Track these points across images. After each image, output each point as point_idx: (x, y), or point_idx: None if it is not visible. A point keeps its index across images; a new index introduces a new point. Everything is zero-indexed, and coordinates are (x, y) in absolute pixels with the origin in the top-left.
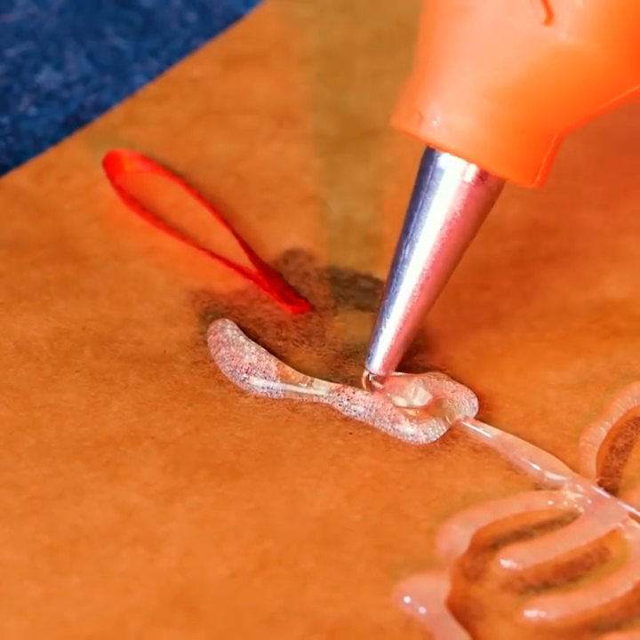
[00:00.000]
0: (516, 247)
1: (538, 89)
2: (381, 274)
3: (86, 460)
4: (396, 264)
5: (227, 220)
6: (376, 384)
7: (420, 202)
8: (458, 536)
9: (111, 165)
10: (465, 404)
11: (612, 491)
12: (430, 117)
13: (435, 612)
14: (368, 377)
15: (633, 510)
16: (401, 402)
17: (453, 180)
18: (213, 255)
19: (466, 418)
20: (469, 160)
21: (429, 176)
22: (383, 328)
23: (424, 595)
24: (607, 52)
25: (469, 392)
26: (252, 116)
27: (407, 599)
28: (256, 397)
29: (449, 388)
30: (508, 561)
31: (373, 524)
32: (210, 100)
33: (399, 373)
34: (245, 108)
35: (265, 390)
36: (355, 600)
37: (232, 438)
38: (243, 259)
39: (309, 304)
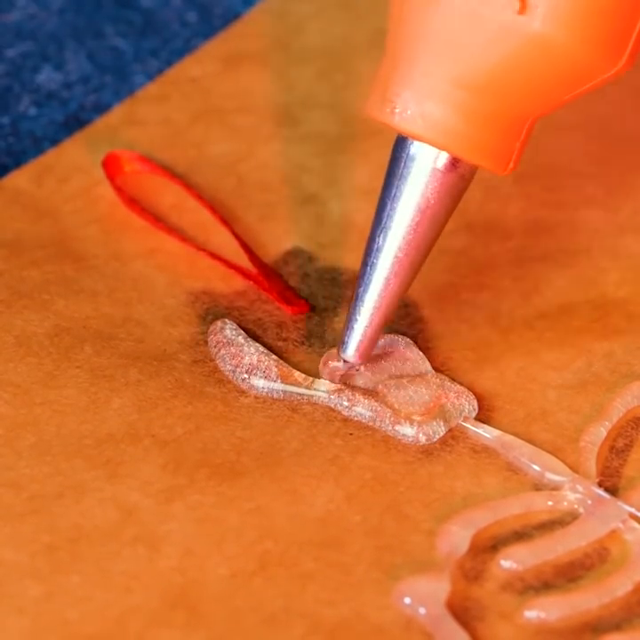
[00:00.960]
0: (516, 246)
1: (510, 78)
2: None
3: (86, 459)
4: (370, 252)
5: (226, 221)
6: (336, 368)
7: (393, 190)
8: (458, 537)
9: (111, 166)
10: (465, 405)
11: (612, 491)
12: (403, 107)
13: (435, 612)
14: (329, 365)
15: (633, 510)
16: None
17: (426, 167)
18: (213, 256)
19: (465, 419)
20: (443, 149)
21: (402, 164)
22: (358, 316)
23: (424, 595)
24: (580, 41)
25: (469, 393)
26: (252, 116)
27: (407, 600)
28: (256, 397)
29: (449, 388)
30: (508, 561)
31: (373, 525)
32: (209, 100)
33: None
34: (245, 108)
35: (265, 390)
36: (355, 600)
37: (232, 438)
38: (243, 259)
39: (309, 305)
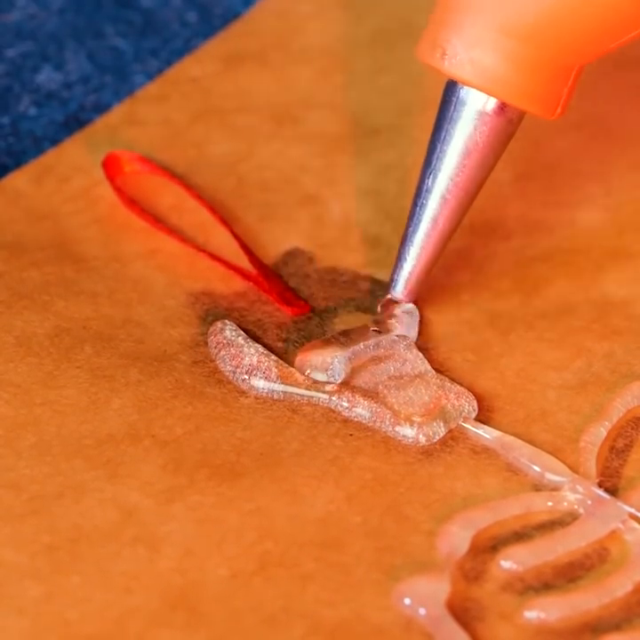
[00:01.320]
0: (516, 246)
1: (557, 26)
2: (382, 275)
3: (87, 459)
4: (419, 193)
5: (226, 222)
6: (397, 311)
7: (443, 133)
8: (458, 537)
9: (111, 167)
10: (464, 406)
11: (612, 491)
12: (452, 53)
13: (435, 613)
14: (385, 301)
15: (633, 511)
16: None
17: (475, 111)
18: (213, 257)
19: (465, 419)
20: (491, 94)
21: (452, 108)
22: (407, 255)
23: (424, 596)
24: None
25: (469, 394)
26: (252, 116)
27: (407, 600)
28: (256, 398)
29: (449, 389)
30: (508, 562)
31: (373, 526)
32: (209, 100)
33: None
34: (245, 108)
35: (265, 391)
36: (355, 601)
37: (232, 439)
38: (243, 260)
39: (309, 306)
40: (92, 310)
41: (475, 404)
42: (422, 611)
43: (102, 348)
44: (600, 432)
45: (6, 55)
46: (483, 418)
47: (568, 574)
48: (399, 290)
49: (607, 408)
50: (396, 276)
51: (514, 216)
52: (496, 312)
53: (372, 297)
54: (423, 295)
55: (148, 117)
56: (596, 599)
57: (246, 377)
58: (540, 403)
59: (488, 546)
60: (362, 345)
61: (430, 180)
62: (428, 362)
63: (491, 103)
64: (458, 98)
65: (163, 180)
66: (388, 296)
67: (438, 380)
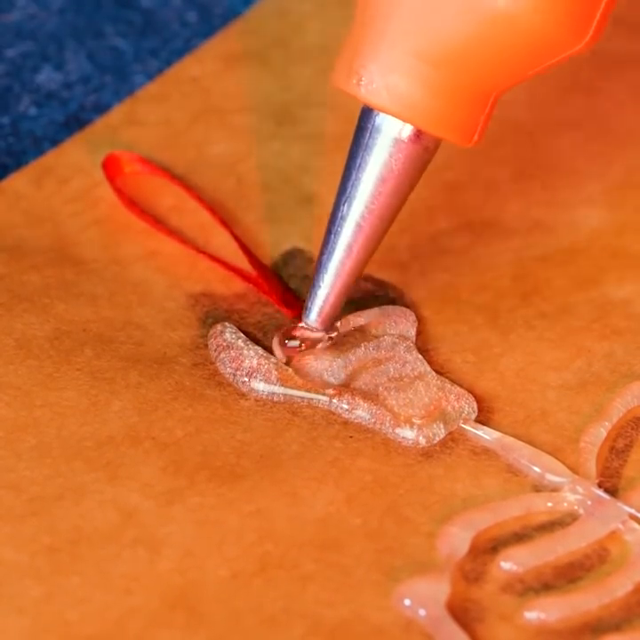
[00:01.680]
0: (515, 246)
1: (474, 53)
2: (382, 275)
3: (87, 461)
4: (334, 221)
5: (226, 223)
6: (291, 343)
7: (358, 160)
8: (458, 539)
9: (111, 168)
10: (464, 407)
11: (612, 492)
12: (368, 79)
13: (435, 614)
14: (282, 337)
15: (633, 511)
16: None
17: (390, 138)
18: (213, 258)
19: (465, 420)
20: (407, 121)
21: (368, 134)
22: (321, 283)
23: (424, 597)
24: (545, 17)
25: (469, 396)
26: (252, 115)
27: (407, 601)
28: (256, 400)
29: (449, 391)
30: (508, 563)
31: (373, 527)
32: (209, 100)
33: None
34: (245, 107)
35: (266, 393)
36: (355, 602)
37: (232, 441)
38: (243, 261)
39: None
40: (91, 313)
41: (474, 405)
42: (422, 612)
43: (102, 351)
44: (600, 432)
45: (6, 55)
46: (483, 419)
47: (568, 575)
48: (313, 318)
49: (607, 408)
50: (309, 304)
51: (514, 216)
52: (496, 312)
53: (372, 297)
54: (423, 295)
55: (147, 117)
56: (596, 599)
57: (246, 379)
58: (540, 403)
59: (488, 547)
60: (362, 347)
61: (345, 207)
62: (428, 363)
63: (406, 130)
64: (373, 125)
65: (163, 181)
66: (301, 324)
67: (438, 382)
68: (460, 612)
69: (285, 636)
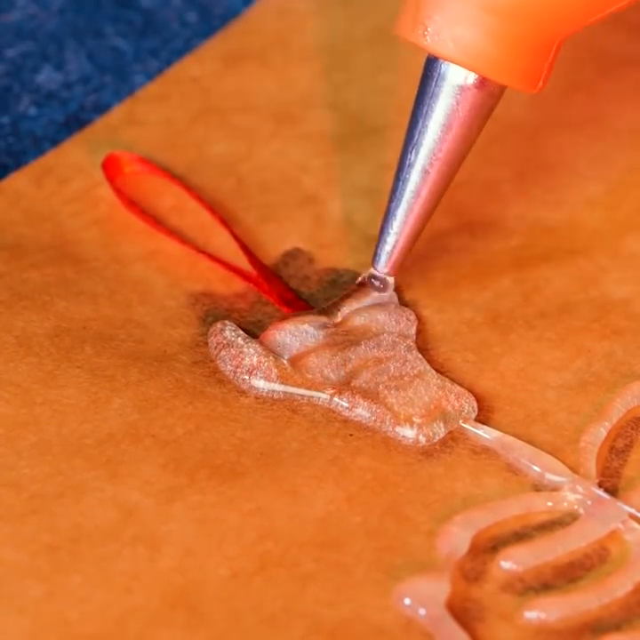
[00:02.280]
0: (516, 246)
1: (536, 2)
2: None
3: (87, 458)
4: (402, 168)
5: (226, 222)
6: (376, 283)
7: (425, 108)
8: (458, 538)
9: (111, 168)
10: (464, 406)
11: (612, 491)
12: (435, 30)
13: (435, 613)
14: (367, 277)
15: (633, 511)
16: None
17: (456, 85)
18: (213, 258)
19: (465, 420)
20: (473, 70)
21: (433, 83)
22: (390, 229)
23: (424, 596)
24: None
25: (469, 395)
26: (252, 115)
27: (407, 601)
28: (256, 398)
29: (449, 390)
30: (508, 562)
31: (374, 526)
32: (209, 99)
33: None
34: (245, 107)
35: (266, 391)
36: (355, 601)
37: (232, 439)
38: (243, 261)
39: (309, 307)
40: (92, 311)
41: (474, 404)
42: (422, 611)
43: (102, 348)
44: (600, 432)
45: (6, 55)
46: (483, 418)
47: (568, 574)
48: (382, 263)
49: (607, 408)
50: (379, 251)
51: (514, 216)
52: (496, 312)
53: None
54: (423, 295)
55: (148, 117)
56: (596, 599)
57: (246, 377)
58: (540, 403)
59: (488, 546)
60: (362, 345)
61: (412, 154)
62: (429, 362)
63: (471, 77)
64: (439, 73)
65: (163, 181)
66: (371, 270)
67: (438, 381)
68: (460, 612)
69: (285, 636)
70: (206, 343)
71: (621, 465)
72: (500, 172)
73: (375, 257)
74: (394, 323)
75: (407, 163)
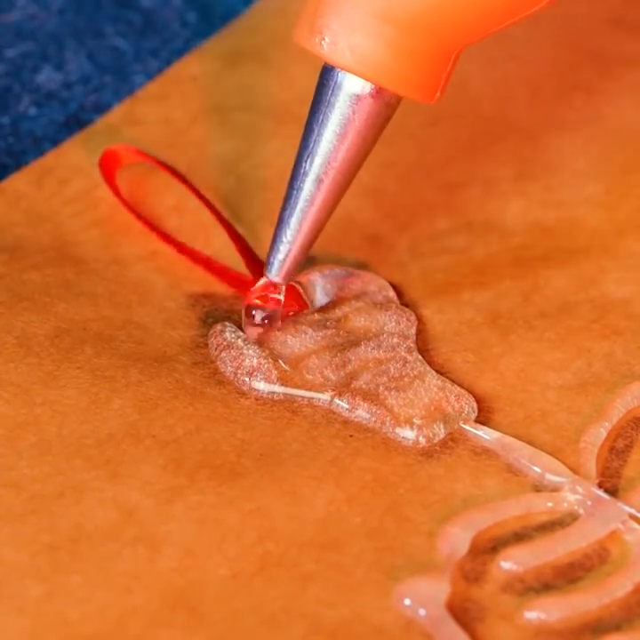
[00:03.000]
0: (516, 246)
1: (436, 12)
2: (382, 274)
3: (87, 459)
4: (296, 176)
5: (226, 220)
6: (274, 295)
7: (320, 116)
8: (458, 538)
9: (108, 164)
10: (464, 407)
11: (612, 492)
12: (332, 39)
13: (435, 613)
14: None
15: (633, 511)
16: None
17: (352, 94)
18: (208, 267)
19: (465, 420)
20: (370, 80)
21: (330, 91)
22: (283, 238)
23: (424, 597)
24: None
25: (469, 396)
26: (252, 114)
27: (407, 601)
28: (256, 399)
29: (449, 391)
30: (508, 563)
31: (374, 527)
32: (209, 98)
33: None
34: (245, 106)
35: (266, 393)
36: (355, 602)
37: (233, 439)
38: (241, 264)
39: (309, 305)
40: (92, 311)
41: (474, 405)
42: (422, 611)
43: (102, 349)
44: (600, 432)
45: (6, 55)
46: (483, 419)
47: (568, 575)
48: (274, 272)
49: (607, 408)
50: (271, 259)
51: (514, 215)
52: (496, 312)
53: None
54: (423, 295)
55: (148, 117)
56: (596, 600)
57: (247, 379)
58: (540, 403)
59: (488, 547)
60: (362, 345)
61: (307, 163)
62: (428, 363)
63: (368, 87)
64: (335, 82)
65: (162, 182)
66: (264, 279)
67: (438, 382)
68: (460, 612)
69: (285, 636)
70: (206, 344)
71: (621, 465)
72: (500, 171)
73: (267, 264)
74: (394, 323)
75: (301, 171)
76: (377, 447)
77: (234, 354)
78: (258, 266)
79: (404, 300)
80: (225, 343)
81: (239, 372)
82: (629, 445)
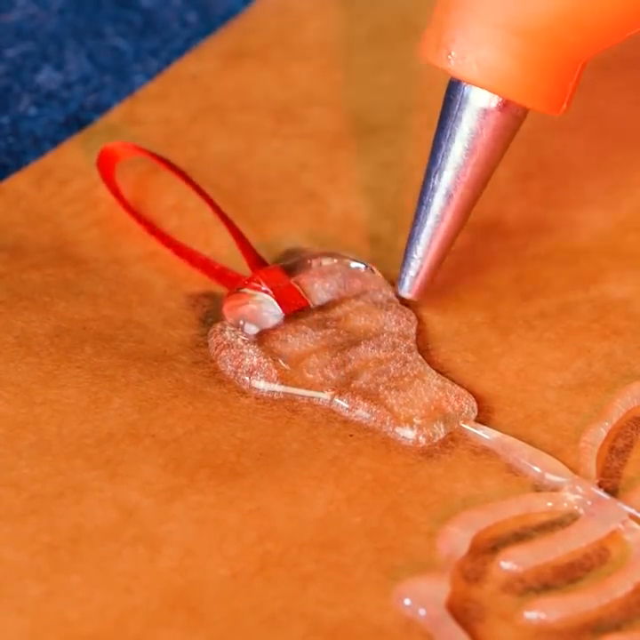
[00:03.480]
0: (516, 245)
1: (563, 23)
2: (382, 273)
3: (87, 458)
4: (426, 192)
5: (226, 216)
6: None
7: (448, 131)
8: (458, 538)
9: (106, 163)
10: (464, 407)
11: (612, 492)
12: (459, 53)
13: (435, 613)
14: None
15: (633, 511)
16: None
17: (480, 108)
18: (206, 269)
19: (465, 420)
20: (498, 94)
21: (457, 106)
22: (414, 254)
23: (424, 597)
24: None
25: (469, 396)
26: (252, 113)
27: (407, 601)
28: (256, 398)
29: (449, 391)
30: (508, 563)
31: (373, 527)
32: (209, 98)
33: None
34: (245, 105)
35: (266, 392)
36: (355, 602)
37: (232, 439)
38: (240, 263)
39: (309, 303)
40: (92, 311)
41: (474, 405)
42: (422, 611)
43: (102, 349)
44: (600, 432)
45: (6, 55)
46: (483, 419)
47: (568, 575)
48: (406, 288)
49: (607, 408)
50: (403, 275)
51: (514, 215)
52: (496, 312)
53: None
54: (423, 295)
55: (147, 117)
56: (596, 600)
57: (247, 378)
58: (540, 403)
59: (488, 547)
60: (362, 345)
61: (436, 178)
62: (429, 363)
63: (495, 100)
64: (462, 96)
65: (162, 181)
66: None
67: (438, 382)
68: (460, 612)
69: (285, 636)
70: (206, 344)
71: (621, 465)
72: (500, 171)
73: (399, 280)
74: (394, 323)
75: (430, 187)
76: (377, 447)
77: (234, 353)
78: (259, 263)
79: (404, 300)
80: (225, 342)
81: (239, 371)
82: (629, 445)
